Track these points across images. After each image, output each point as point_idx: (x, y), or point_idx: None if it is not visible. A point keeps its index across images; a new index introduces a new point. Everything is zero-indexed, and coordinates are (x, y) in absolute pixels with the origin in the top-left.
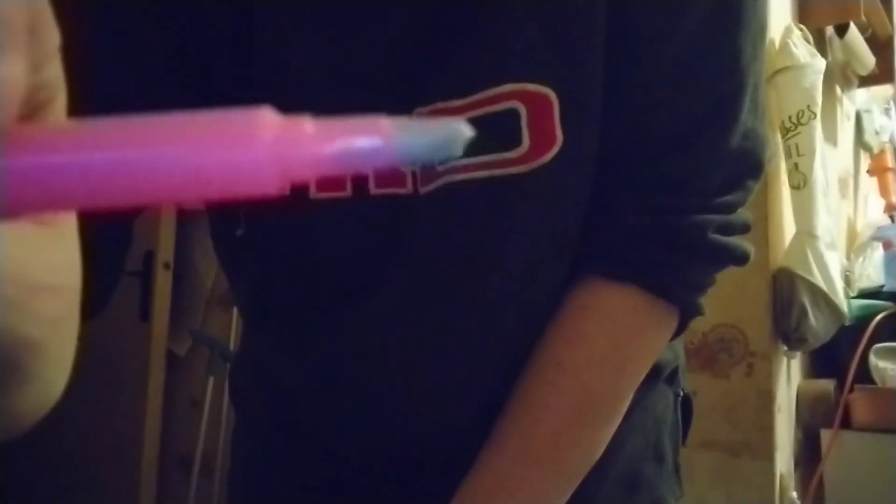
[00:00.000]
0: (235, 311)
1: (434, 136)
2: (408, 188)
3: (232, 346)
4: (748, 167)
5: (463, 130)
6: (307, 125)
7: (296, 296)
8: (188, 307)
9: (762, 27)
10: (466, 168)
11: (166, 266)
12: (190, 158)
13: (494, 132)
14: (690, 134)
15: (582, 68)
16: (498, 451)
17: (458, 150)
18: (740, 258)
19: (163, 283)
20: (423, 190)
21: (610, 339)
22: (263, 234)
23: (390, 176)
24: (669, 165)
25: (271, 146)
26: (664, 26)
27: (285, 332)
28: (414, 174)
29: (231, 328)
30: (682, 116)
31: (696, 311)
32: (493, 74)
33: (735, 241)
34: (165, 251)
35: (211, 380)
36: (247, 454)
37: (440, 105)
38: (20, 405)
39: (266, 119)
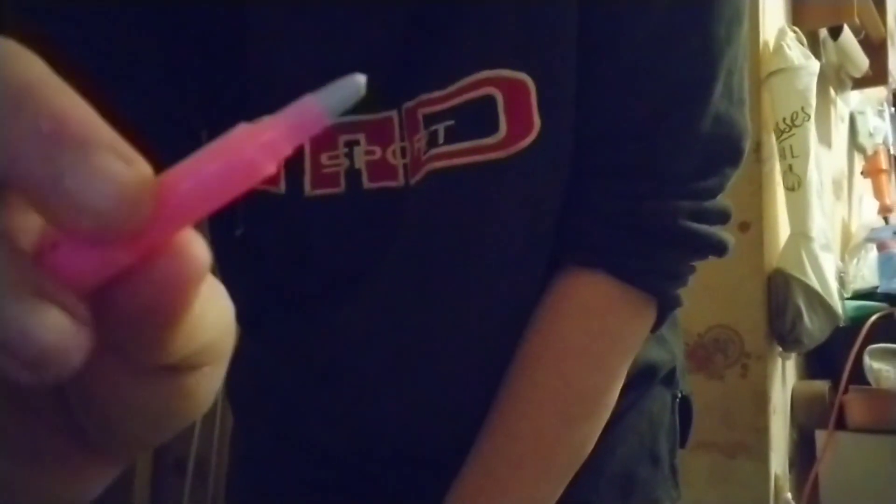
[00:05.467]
0: None
1: (343, 89)
2: (399, 181)
3: None
4: (723, 153)
5: (359, 79)
6: (267, 119)
7: (292, 294)
8: None
9: (738, 12)
10: (448, 155)
11: None
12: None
13: (473, 119)
14: (658, 118)
15: (557, 54)
16: (486, 449)
17: (361, 93)
18: (717, 247)
19: None
20: (413, 181)
21: (585, 331)
22: (261, 233)
23: (382, 169)
24: (638, 150)
25: (252, 137)
26: (633, 10)
27: (281, 330)
28: (405, 167)
29: None
30: (649, 101)
31: (672, 301)
32: (469, 62)
33: (709, 229)
34: None
35: None
36: (245, 456)
37: (424, 97)
38: (214, 385)
39: (241, 128)
